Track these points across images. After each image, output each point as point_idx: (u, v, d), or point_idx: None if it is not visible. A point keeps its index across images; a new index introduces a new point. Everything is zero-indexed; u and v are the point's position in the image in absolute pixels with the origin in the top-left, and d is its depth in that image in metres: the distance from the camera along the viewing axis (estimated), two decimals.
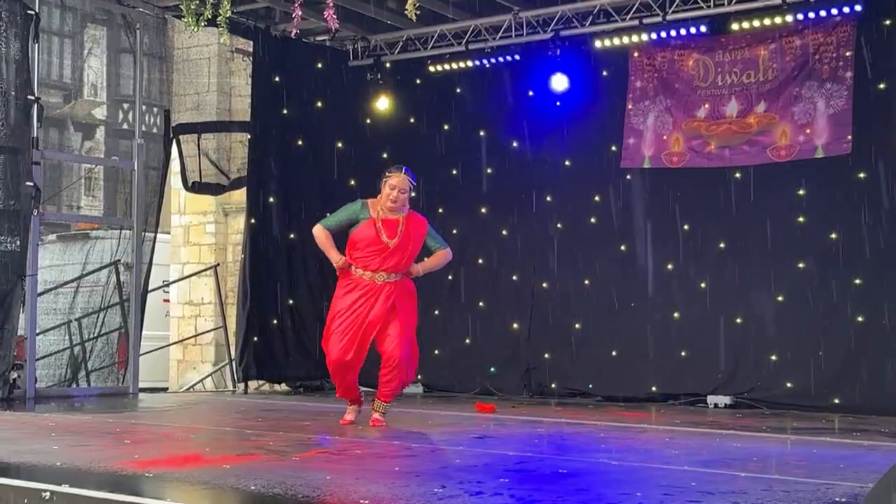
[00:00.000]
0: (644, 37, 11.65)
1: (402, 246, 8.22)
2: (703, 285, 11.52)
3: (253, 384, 13.13)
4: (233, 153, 15.82)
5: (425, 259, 8.52)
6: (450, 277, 13.02)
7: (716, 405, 11.05)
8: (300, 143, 12.99)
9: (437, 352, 12.91)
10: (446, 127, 13.22)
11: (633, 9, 11.49)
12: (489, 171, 12.93)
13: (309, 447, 7.16)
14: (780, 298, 11.08)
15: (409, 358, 8.23)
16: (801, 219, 11.06)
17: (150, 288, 12.19)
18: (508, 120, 12.78)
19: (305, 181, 12.98)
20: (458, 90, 13.08)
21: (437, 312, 13.05)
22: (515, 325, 12.62)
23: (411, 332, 8.26)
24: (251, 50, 13.09)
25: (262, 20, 12.76)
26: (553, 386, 12.24)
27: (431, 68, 13.04)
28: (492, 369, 12.59)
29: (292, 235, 12.85)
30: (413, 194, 8.38)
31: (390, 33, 12.98)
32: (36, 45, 10.77)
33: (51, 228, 16.53)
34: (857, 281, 10.69)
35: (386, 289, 8.16)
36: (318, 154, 13.11)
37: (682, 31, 11.44)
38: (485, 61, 12.64)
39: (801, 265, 11.02)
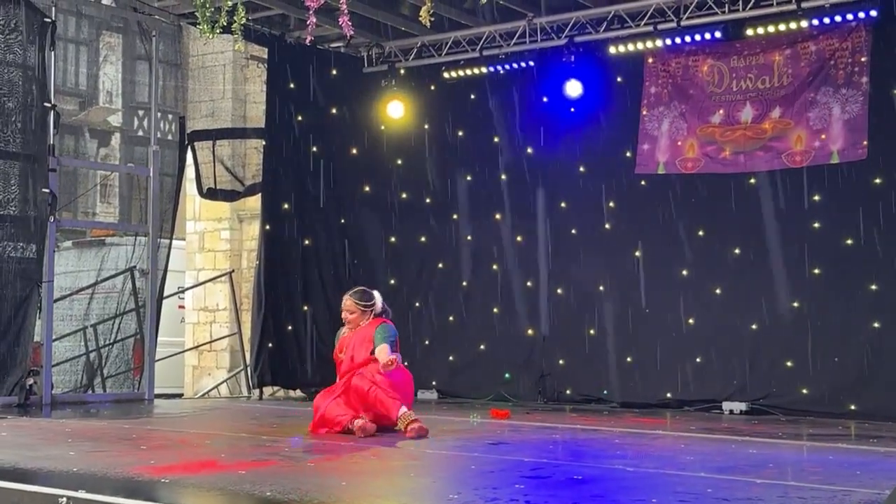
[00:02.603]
0: (658, 43, 11.64)
1: (348, 359, 8.40)
2: (717, 291, 11.50)
3: (268, 390, 13.16)
4: (247, 160, 15.89)
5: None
6: (464, 284, 13.04)
7: (731, 411, 11.01)
8: (315, 149, 13.02)
9: (451, 358, 12.93)
10: (460, 133, 13.23)
11: (648, 15, 11.49)
12: (504, 177, 12.92)
13: (324, 453, 7.16)
14: (795, 304, 11.05)
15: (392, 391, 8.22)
16: (816, 224, 11.02)
17: (165, 294, 12.24)
18: (523, 126, 12.77)
19: (320, 188, 13.01)
20: (473, 96, 13.09)
21: (451, 318, 13.06)
22: (530, 331, 12.60)
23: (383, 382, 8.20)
24: (266, 57, 13.13)
25: (277, 27, 12.80)
26: (568, 392, 12.23)
27: (446, 74, 13.04)
28: (506, 375, 12.58)
29: (307, 241, 12.88)
30: (371, 309, 8.45)
31: (405, 40, 13.00)
32: (52, 53, 10.83)
33: (66, 235, 16.56)
34: (873, 287, 10.65)
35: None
36: (332, 160, 13.14)
37: (697, 37, 11.42)
38: (499, 67, 12.64)
39: (816, 271, 10.98)
